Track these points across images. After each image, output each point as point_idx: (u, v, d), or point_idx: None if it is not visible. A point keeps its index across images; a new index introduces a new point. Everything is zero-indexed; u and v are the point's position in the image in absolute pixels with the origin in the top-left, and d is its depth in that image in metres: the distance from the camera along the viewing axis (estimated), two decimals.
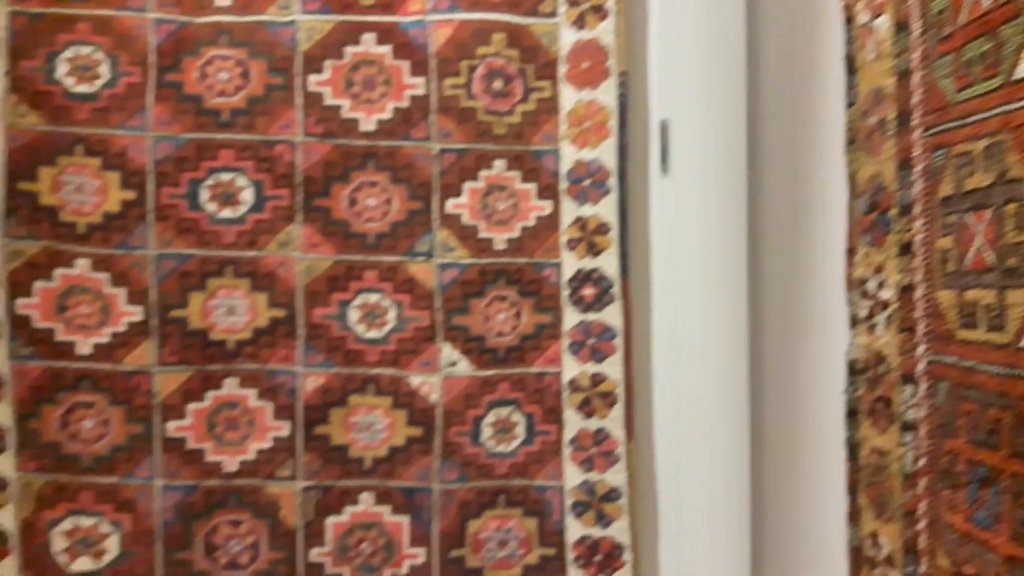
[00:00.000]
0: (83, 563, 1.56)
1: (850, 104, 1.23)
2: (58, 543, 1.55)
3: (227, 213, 1.54)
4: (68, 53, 1.49)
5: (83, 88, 1.49)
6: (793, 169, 1.52)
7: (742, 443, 1.68)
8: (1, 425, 1.53)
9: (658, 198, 1.62)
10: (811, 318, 1.46)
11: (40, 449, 1.54)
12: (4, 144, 1.48)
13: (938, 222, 1.04)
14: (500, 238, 1.57)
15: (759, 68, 1.62)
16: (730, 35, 1.57)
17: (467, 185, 1.56)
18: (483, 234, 1.57)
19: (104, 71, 1.50)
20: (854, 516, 1.25)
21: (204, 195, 1.53)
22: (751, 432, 1.68)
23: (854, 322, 1.23)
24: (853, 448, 1.25)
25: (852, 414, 1.25)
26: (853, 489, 1.25)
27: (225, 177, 1.53)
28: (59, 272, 1.52)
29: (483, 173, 1.56)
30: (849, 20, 1.23)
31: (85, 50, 1.49)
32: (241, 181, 1.53)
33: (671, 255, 1.64)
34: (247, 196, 1.53)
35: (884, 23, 1.14)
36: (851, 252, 1.24)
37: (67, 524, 1.55)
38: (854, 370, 1.24)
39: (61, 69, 1.49)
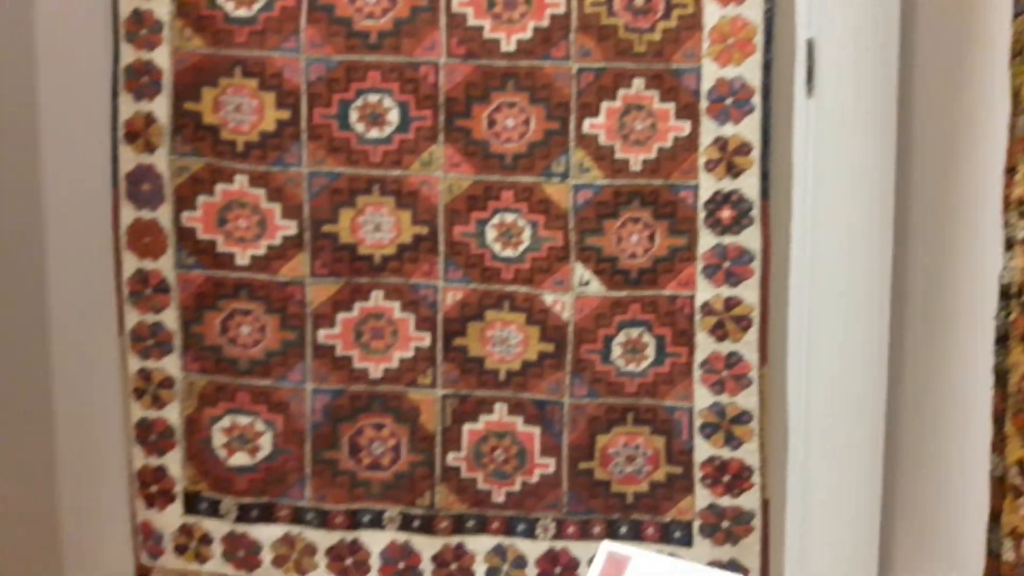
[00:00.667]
0: (240, 458, 1.65)
1: (1018, 14, 1.13)
2: (218, 439, 1.65)
3: (374, 133, 1.56)
4: None
5: (241, 12, 1.53)
6: (949, 85, 1.42)
7: (879, 370, 1.62)
8: (168, 328, 1.63)
9: (802, 119, 1.55)
10: (962, 241, 1.38)
11: (202, 351, 1.63)
12: (171, 66, 1.55)
13: None
14: (636, 159, 1.54)
15: None
16: None
17: (605, 105, 1.53)
18: (619, 155, 1.54)
19: None
20: (999, 445, 1.18)
21: (353, 115, 1.55)
22: (890, 358, 1.61)
23: (1009, 244, 1.15)
24: (1001, 375, 1.18)
25: (1002, 340, 1.17)
26: (999, 417, 1.18)
27: (373, 98, 1.55)
28: (220, 187, 1.59)
29: (621, 92, 1.52)
30: None
31: None
32: (387, 102, 1.55)
33: (814, 178, 1.57)
34: (393, 117, 1.55)
35: None
36: (1011, 171, 1.15)
37: (226, 422, 1.64)
38: (1007, 294, 1.16)
39: None
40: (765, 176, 1.51)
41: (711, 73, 1.50)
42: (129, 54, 1.54)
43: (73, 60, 1.63)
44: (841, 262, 1.60)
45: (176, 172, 1.58)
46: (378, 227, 1.58)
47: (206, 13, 1.53)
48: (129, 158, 1.58)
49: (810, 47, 1.51)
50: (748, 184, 1.52)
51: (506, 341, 1.60)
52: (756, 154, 1.51)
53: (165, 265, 1.61)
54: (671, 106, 1.52)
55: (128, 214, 1.60)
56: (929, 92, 1.50)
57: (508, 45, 1.52)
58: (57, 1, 1.62)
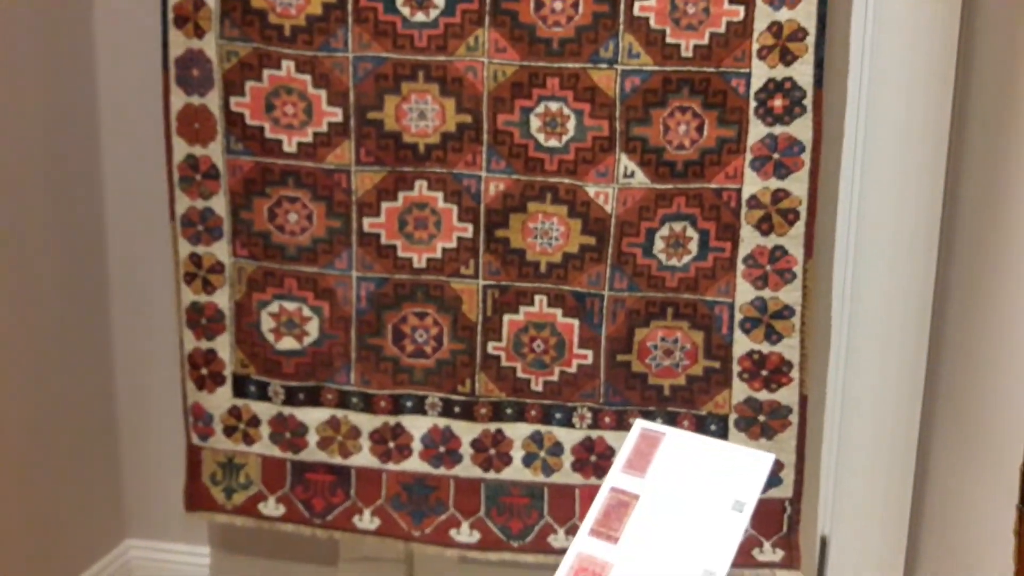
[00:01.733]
0: (287, 343, 1.61)
1: None
2: (266, 323, 1.61)
3: (420, 17, 1.47)
4: None
5: None
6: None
7: (927, 270, 1.52)
8: (217, 214, 1.58)
9: (860, 7, 1.42)
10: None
11: (251, 237, 1.58)
12: None
13: None
14: (687, 44, 1.43)
15: None
16: None
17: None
18: (670, 39, 1.43)
19: None
20: None
21: None
22: (938, 259, 1.51)
23: None
24: None
25: None
26: None
27: None
28: (267, 72, 1.52)
29: None
30: None
31: None
32: None
33: (870, 68, 1.45)
34: (439, 0, 1.46)
35: None
36: None
37: (274, 307, 1.60)
38: None
39: None
40: (820, 64, 1.40)
41: None
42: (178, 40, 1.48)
43: None
44: (894, 157, 1.49)
45: (225, 57, 1.51)
46: (422, 115, 1.50)
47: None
48: (179, 43, 1.51)
49: None
50: (802, 72, 1.40)
51: (548, 233, 1.52)
52: (811, 40, 1.39)
53: (215, 151, 1.55)
54: None
55: (178, 100, 1.54)
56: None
57: (556, 38, 1.42)
58: None
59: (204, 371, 1.64)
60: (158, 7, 1.50)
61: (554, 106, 1.48)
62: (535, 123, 1.49)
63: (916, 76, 1.46)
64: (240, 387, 1.64)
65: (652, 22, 1.43)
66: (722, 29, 1.42)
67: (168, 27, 1.51)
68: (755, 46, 1.41)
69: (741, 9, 1.41)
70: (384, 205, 1.55)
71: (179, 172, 1.57)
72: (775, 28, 1.40)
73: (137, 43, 1.63)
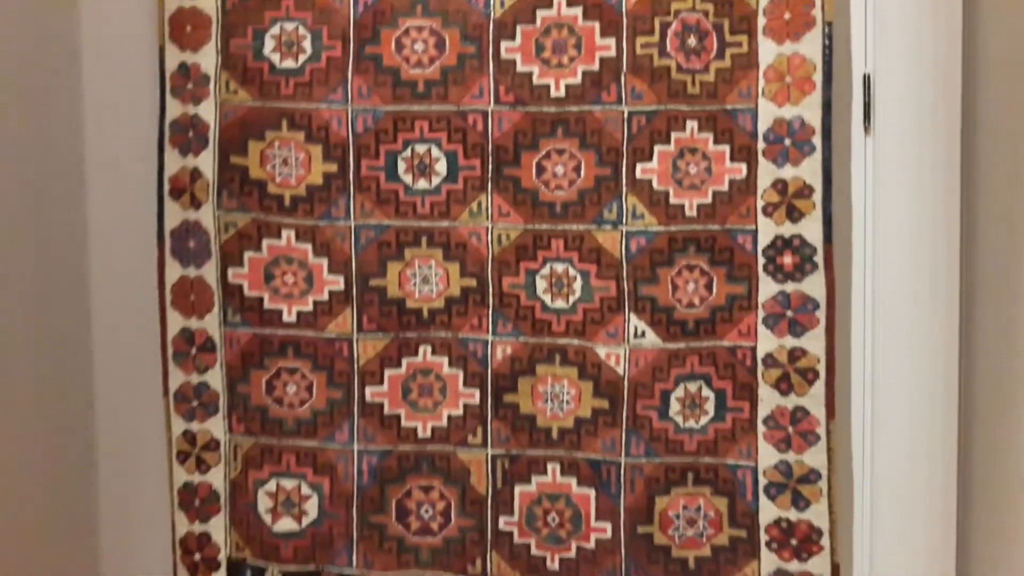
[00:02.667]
0: (285, 523, 1.46)
1: None
2: (263, 503, 1.46)
3: (422, 184, 1.40)
4: (274, 30, 1.40)
5: (288, 63, 1.40)
6: (1017, 121, 1.23)
7: (949, 423, 1.40)
8: (213, 388, 1.45)
9: (859, 158, 1.37)
10: None
11: (248, 412, 1.46)
12: (218, 120, 1.41)
13: None
14: (691, 203, 1.36)
15: (977, 13, 1.34)
16: None
17: (657, 148, 1.36)
18: (673, 200, 1.36)
19: (307, 46, 1.40)
20: None
21: (401, 166, 1.40)
22: (960, 414, 1.39)
23: None
24: None
25: None
26: None
27: (420, 148, 1.39)
28: (267, 243, 1.43)
29: (675, 135, 1.35)
30: None
31: (289, 26, 1.39)
32: (435, 152, 1.39)
33: (875, 221, 1.38)
34: (441, 167, 1.39)
35: None
36: None
37: (271, 485, 1.46)
38: None
39: (268, 45, 1.40)
40: (828, 220, 1.32)
41: (768, 113, 1.32)
42: (175, 108, 1.41)
43: (119, 115, 1.50)
44: (907, 310, 1.39)
45: (222, 228, 1.43)
46: (426, 280, 1.41)
47: (252, 65, 1.40)
48: (175, 214, 1.43)
49: (867, 83, 1.34)
50: (810, 228, 1.33)
51: (558, 397, 1.40)
52: (818, 197, 1.32)
53: (211, 323, 1.44)
54: (726, 148, 1.35)
55: (173, 272, 1.45)
56: (993, 126, 1.31)
57: (557, 91, 1.36)
58: (104, 56, 1.50)
59: (197, 556, 1.47)
60: (153, 178, 1.43)
61: (560, 267, 1.39)
62: (541, 285, 1.39)
63: (921, 225, 1.39)
64: (235, 572, 1.47)
65: (655, 183, 1.36)
66: (725, 187, 1.35)
67: (164, 199, 1.43)
68: (760, 203, 1.34)
69: (743, 167, 1.35)
70: (387, 372, 1.43)
71: (173, 346, 1.46)
72: (779, 185, 1.33)
73: (131, 214, 1.54)
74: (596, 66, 1.35)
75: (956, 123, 1.34)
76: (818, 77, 1.30)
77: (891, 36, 1.33)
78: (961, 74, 1.33)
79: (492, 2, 1.36)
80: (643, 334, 1.38)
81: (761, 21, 1.31)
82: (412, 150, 1.39)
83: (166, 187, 1.43)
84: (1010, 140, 1.28)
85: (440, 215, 1.40)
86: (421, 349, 1.42)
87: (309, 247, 1.42)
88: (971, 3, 1.32)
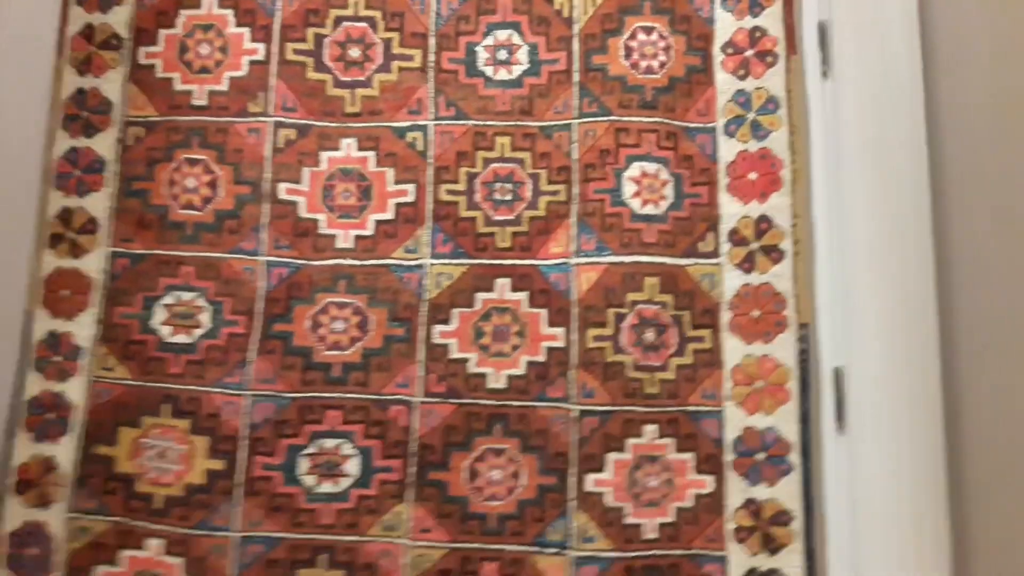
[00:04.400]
0: None
1: None
2: None
3: (327, 488, 1.09)
4: (167, 299, 1.13)
5: (180, 338, 1.12)
6: (999, 402, 1.01)
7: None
8: None
9: (833, 460, 1.11)
10: None
11: None
12: (86, 401, 1.10)
13: None
14: (650, 524, 1.07)
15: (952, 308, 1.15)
16: (919, 272, 1.11)
17: (611, 456, 1.09)
18: (630, 519, 1.07)
19: (205, 319, 1.12)
20: None
21: (303, 466, 1.09)
22: None
23: None
24: None
25: None
26: None
27: (329, 444, 1.10)
28: (126, 554, 1.07)
29: (631, 441, 1.09)
30: None
31: (187, 296, 1.13)
32: (347, 449, 1.09)
33: (854, 547, 1.11)
34: (352, 467, 1.09)
35: None
36: None
37: None
38: None
39: (159, 316, 1.13)
40: (810, 554, 1.05)
41: (736, 420, 1.08)
42: (36, 384, 1.10)
43: None
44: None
45: (73, 534, 1.07)
46: None
47: (137, 338, 1.12)
48: (16, 513, 1.08)
49: (838, 377, 1.12)
50: (789, 564, 1.04)
51: None
52: (798, 525, 1.05)
53: None
54: (690, 457, 1.08)
55: None
56: (975, 409, 1.09)
57: (497, 381, 1.11)
58: None
59: None
60: None
61: None
62: None
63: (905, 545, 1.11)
64: None
65: (608, 499, 1.07)
66: (689, 503, 1.07)
67: (3, 495, 1.08)
68: (729, 526, 1.06)
69: (710, 480, 1.08)
70: None
71: None
72: (753, 508, 1.06)
73: None
74: (542, 357, 1.11)
75: (937, 423, 1.10)
76: (793, 385, 1.07)
77: (864, 334, 1.12)
78: (937, 340, 1.11)
79: (426, 282, 1.13)
80: None
81: (726, 316, 1.10)
82: (319, 446, 1.09)
83: (11, 479, 1.08)
84: (992, 416, 1.05)
85: (347, 527, 1.07)
86: None
87: (179, 562, 1.07)
88: (945, 305, 1.14)
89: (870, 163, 1.14)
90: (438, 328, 1.11)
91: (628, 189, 1.14)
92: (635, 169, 1.15)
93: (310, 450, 1.09)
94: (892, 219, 1.12)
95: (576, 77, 1.17)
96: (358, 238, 1.15)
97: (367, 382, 1.10)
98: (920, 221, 1.09)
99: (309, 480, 1.08)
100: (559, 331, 1.11)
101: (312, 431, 1.09)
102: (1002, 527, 1.05)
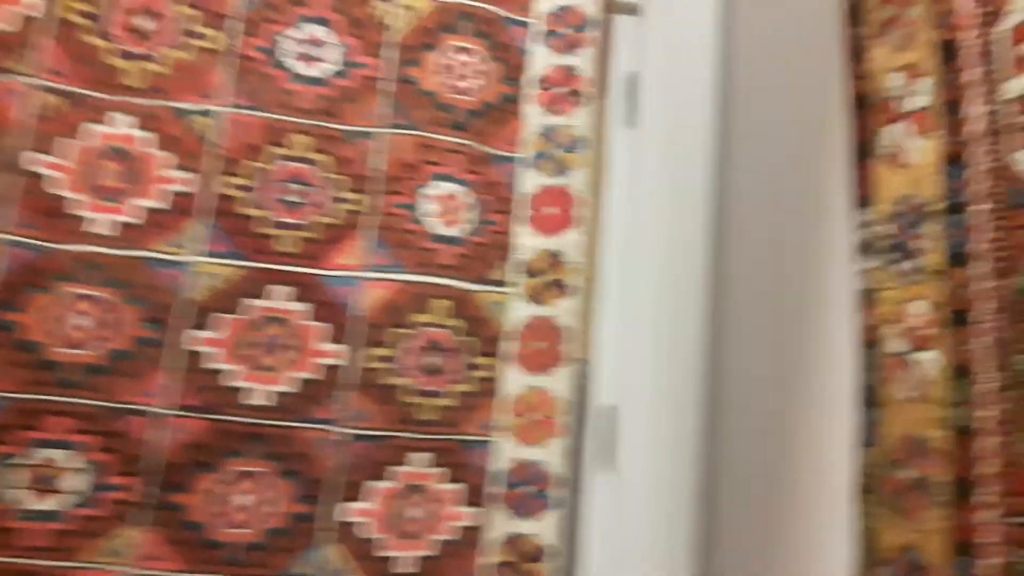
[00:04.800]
0: None
1: (867, 444, 0.78)
2: None
3: (44, 505, 0.94)
4: None
5: None
6: (756, 457, 1.05)
7: None
8: None
9: (599, 498, 1.11)
10: None
11: None
12: None
13: None
14: (408, 557, 1.01)
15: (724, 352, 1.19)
16: (694, 322, 1.14)
17: (376, 485, 1.02)
18: (384, 551, 1.01)
19: None
20: None
21: (16, 478, 0.94)
22: None
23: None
24: None
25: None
26: None
27: (51, 454, 0.95)
28: None
29: (399, 469, 1.03)
30: (870, 344, 0.81)
31: None
32: (73, 462, 0.95)
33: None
34: (77, 482, 0.95)
35: (932, 361, 0.72)
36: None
37: None
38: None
39: None
40: None
41: (509, 452, 1.05)
42: None
43: None
44: None
45: None
46: None
47: None
48: None
49: (611, 416, 1.12)
50: None
51: None
52: (558, 562, 1.03)
53: None
54: (459, 488, 1.04)
55: None
56: (734, 458, 1.12)
57: (258, 397, 1.01)
58: None
59: None
60: None
61: None
62: None
63: None
64: None
65: (367, 529, 1.00)
66: (452, 536, 1.03)
67: None
68: (491, 560, 1.02)
69: (475, 512, 1.04)
70: None
71: None
72: (516, 542, 1.03)
73: None
74: (316, 374, 1.03)
75: (700, 455, 1.13)
76: (567, 419, 1.05)
77: (635, 371, 1.13)
78: (707, 401, 1.14)
79: (190, 281, 1.02)
80: None
81: (511, 346, 1.07)
82: (38, 456, 0.94)
83: None
84: (748, 467, 1.08)
85: (64, 553, 0.93)
86: None
87: None
88: (717, 359, 1.18)
89: (662, 213, 1.16)
90: (200, 334, 1.00)
91: (429, 208, 1.09)
92: (438, 188, 1.10)
93: (27, 460, 0.93)
94: (676, 268, 1.14)
95: (387, 86, 1.11)
96: (123, 226, 1.01)
97: (108, 388, 0.97)
98: (701, 274, 1.12)
99: (22, 495, 0.93)
100: (339, 348, 1.03)
101: (32, 438, 0.94)
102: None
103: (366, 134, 1.09)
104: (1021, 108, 0.60)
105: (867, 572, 0.75)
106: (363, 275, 1.06)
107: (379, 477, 1.01)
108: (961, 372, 0.67)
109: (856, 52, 0.78)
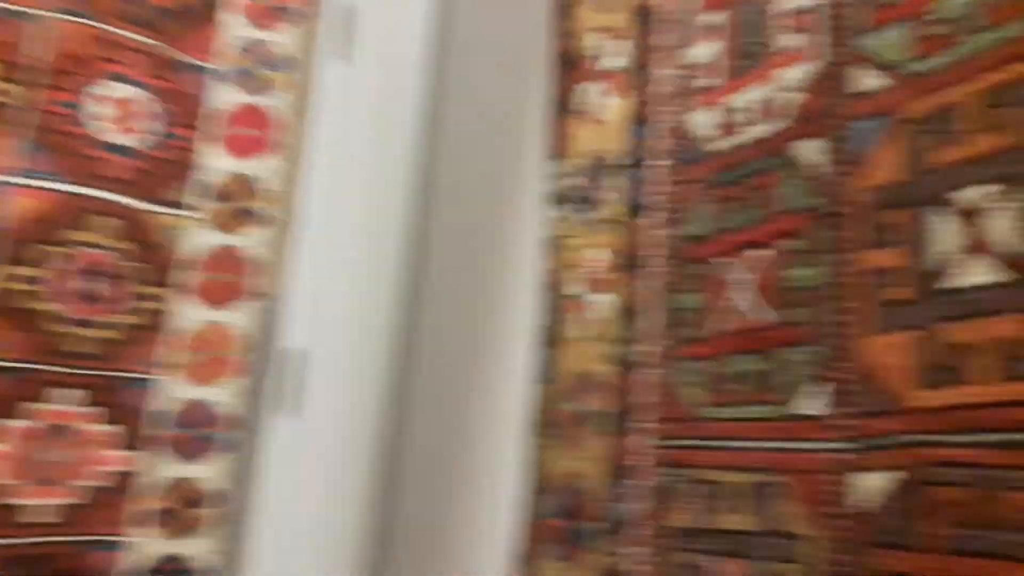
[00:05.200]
0: None
1: (543, 381, 0.85)
2: None
3: None
4: None
5: None
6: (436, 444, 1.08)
7: None
8: None
9: (280, 445, 1.06)
10: None
11: None
12: None
13: (669, 557, 0.67)
14: (45, 506, 0.87)
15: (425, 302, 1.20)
16: (391, 269, 1.14)
17: (8, 423, 0.85)
18: (15, 500, 0.85)
19: None
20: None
21: None
22: None
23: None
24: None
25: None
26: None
27: None
28: None
29: (39, 407, 0.87)
30: (552, 288, 0.87)
31: None
32: None
33: (285, 534, 1.06)
34: None
35: (606, 303, 0.80)
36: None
37: None
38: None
39: None
40: (238, 538, 0.96)
41: (180, 392, 0.95)
42: None
43: None
44: None
45: None
46: None
47: None
48: None
49: (297, 357, 1.07)
50: (198, 549, 0.94)
51: None
52: (227, 507, 0.95)
53: None
54: (114, 430, 0.91)
55: None
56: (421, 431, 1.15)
57: None
58: None
59: None
60: None
61: None
62: None
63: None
64: None
65: None
66: (98, 482, 0.90)
67: None
68: (151, 507, 0.92)
69: (134, 456, 0.92)
70: None
71: None
72: (183, 488, 0.93)
73: None
74: None
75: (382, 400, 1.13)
76: (249, 359, 0.98)
77: (331, 315, 1.09)
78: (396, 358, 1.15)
79: None
80: None
81: (190, 276, 0.96)
82: None
83: None
84: (431, 421, 1.11)
85: None
86: None
87: None
88: (412, 309, 1.18)
89: (368, 153, 1.13)
90: None
91: (100, 111, 0.94)
92: (113, 89, 0.95)
93: None
94: (378, 211, 1.12)
95: None
96: None
97: None
98: (401, 218, 1.12)
99: None
100: None
101: None
102: (426, 527, 1.10)
103: (23, 14, 0.91)
104: (696, 72, 0.68)
105: (535, 499, 0.80)
106: (10, 180, 0.88)
107: (10, 415, 0.85)
108: (630, 312, 0.74)
109: (563, 10, 0.83)
